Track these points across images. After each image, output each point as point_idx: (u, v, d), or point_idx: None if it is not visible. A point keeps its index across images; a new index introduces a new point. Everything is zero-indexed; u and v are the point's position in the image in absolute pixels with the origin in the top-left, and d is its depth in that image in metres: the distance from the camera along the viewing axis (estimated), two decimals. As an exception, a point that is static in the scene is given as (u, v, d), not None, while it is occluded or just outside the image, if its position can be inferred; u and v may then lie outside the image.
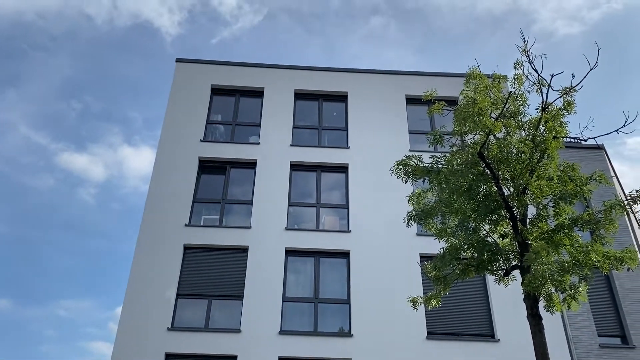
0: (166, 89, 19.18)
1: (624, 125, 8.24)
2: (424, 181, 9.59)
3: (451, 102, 12.23)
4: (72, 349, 49.33)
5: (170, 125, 17.90)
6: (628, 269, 8.27)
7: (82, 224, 54.35)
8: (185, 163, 17.12)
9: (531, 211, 9.14)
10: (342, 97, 19.28)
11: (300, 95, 19.21)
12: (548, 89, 8.65)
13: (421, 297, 9.55)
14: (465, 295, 14.99)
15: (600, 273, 8.93)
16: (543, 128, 8.83)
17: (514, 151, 8.88)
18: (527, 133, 9.09)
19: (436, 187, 9.25)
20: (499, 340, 14.40)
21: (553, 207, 8.77)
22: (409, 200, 9.71)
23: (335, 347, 14.21)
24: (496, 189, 8.73)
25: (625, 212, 8.51)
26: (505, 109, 8.99)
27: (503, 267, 9.05)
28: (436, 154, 9.61)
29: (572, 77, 8.56)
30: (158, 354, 13.72)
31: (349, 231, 16.16)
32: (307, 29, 74.44)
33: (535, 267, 8.06)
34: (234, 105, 18.97)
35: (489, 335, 14.70)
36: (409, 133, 18.24)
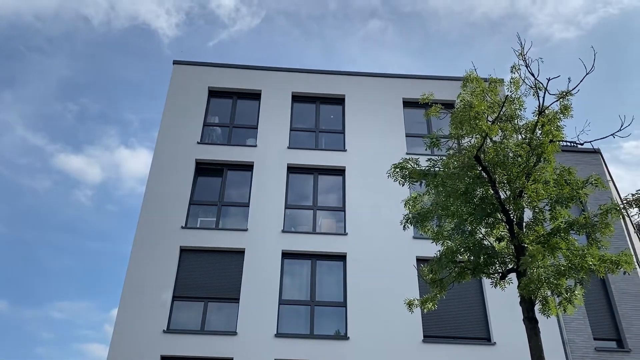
0: (163, 91, 19.20)
1: (620, 130, 8.28)
2: (420, 184, 9.60)
3: (448, 105, 12.26)
4: (67, 351, 49.13)
5: (167, 127, 17.88)
6: (624, 272, 8.30)
7: (78, 225, 54.22)
8: (182, 165, 17.10)
9: (527, 214, 9.16)
10: (339, 100, 19.29)
11: (297, 98, 19.21)
12: (544, 92, 8.67)
13: (417, 300, 9.56)
14: (461, 298, 14.99)
15: (596, 277, 8.96)
16: (539, 132, 8.85)
17: (511, 155, 8.90)
18: (524, 137, 9.12)
19: (433, 190, 9.27)
20: (495, 343, 14.41)
21: (549, 210, 8.79)
22: (405, 205, 9.71)
23: (331, 350, 14.19)
24: (493, 192, 8.75)
25: (621, 216, 8.53)
26: (501, 113, 9.02)
27: (499, 271, 9.07)
28: (433, 157, 9.62)
29: (569, 81, 8.59)
30: (154, 357, 13.67)
31: (345, 234, 16.15)
32: (305, 32, 74.53)
33: (532, 271, 8.08)
34: (231, 108, 18.96)
35: (485, 338, 14.71)
36: (406, 136, 18.26)
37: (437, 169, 9.33)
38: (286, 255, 15.74)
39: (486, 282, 13.47)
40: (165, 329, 14.16)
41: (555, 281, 7.93)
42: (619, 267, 8.19)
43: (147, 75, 64.67)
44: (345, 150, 17.90)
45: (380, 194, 16.30)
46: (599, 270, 8.23)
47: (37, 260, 48.98)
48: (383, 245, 15.73)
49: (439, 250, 9.22)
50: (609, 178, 18.18)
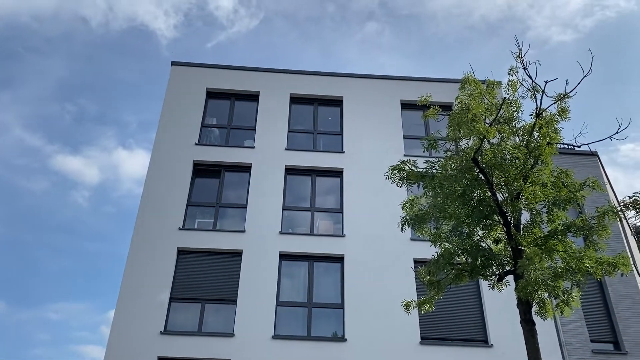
0: (161, 92, 19.18)
1: (617, 132, 8.30)
2: (418, 186, 9.61)
3: (446, 107, 12.27)
4: (64, 353, 48.99)
5: (165, 128, 17.87)
6: (622, 275, 8.31)
7: (76, 226, 54.12)
8: (179, 166, 17.08)
9: (525, 217, 9.18)
10: (337, 102, 19.30)
11: (295, 100, 19.21)
12: (542, 95, 8.69)
13: (414, 302, 9.56)
14: (459, 300, 15.00)
15: (593, 279, 8.97)
16: (537, 134, 8.87)
17: (508, 157, 8.92)
18: (521, 139, 9.14)
19: (430, 192, 9.28)
20: (492, 345, 14.41)
21: (546, 212, 8.81)
22: (402, 207, 9.71)
23: (328, 351, 14.18)
24: (490, 194, 8.76)
25: (618, 218, 8.55)
26: (499, 115, 9.04)
27: (497, 273, 9.08)
28: (430, 159, 9.65)
29: (566, 84, 8.62)
30: (150, 358, 13.63)
31: (343, 236, 16.15)
32: (303, 34, 74.60)
33: (529, 273, 8.09)
34: (229, 109, 18.95)
35: (483, 340, 14.71)
36: (404, 138, 18.27)
37: (434, 170, 9.34)
38: (284, 256, 15.73)
39: (483, 284, 13.47)
40: (163, 330, 14.13)
41: (553, 283, 7.93)
42: (616, 269, 8.20)
43: (145, 76, 64.67)
44: (343, 152, 17.90)
45: (378, 195, 16.31)
46: (596, 273, 8.24)
47: (34, 261, 48.89)
48: (381, 247, 15.73)
49: (437, 252, 9.23)
50: (606, 180, 18.22)
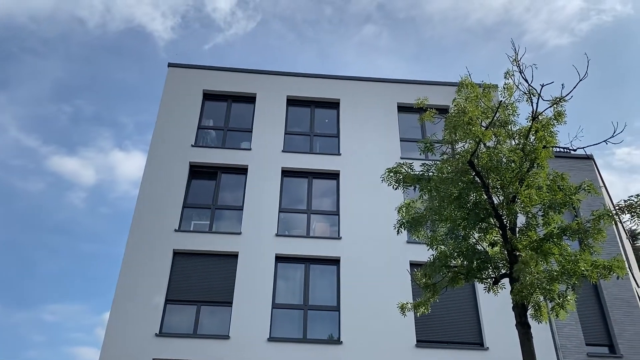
0: (158, 93, 19.09)
1: (613, 136, 8.33)
2: (414, 189, 9.62)
3: (442, 110, 12.31)
4: (58, 354, 48.77)
5: (162, 129, 17.84)
6: (617, 278, 8.32)
7: (71, 227, 53.95)
8: (175, 168, 17.05)
9: (520, 220, 9.19)
10: (334, 104, 19.31)
11: (292, 102, 19.22)
12: (538, 98, 8.71)
13: (410, 304, 9.56)
14: (454, 303, 15.01)
15: (589, 282, 8.97)
16: (533, 137, 8.89)
17: (504, 160, 8.93)
18: (517, 142, 9.15)
19: (426, 195, 9.29)
20: (487, 348, 14.42)
21: (542, 216, 8.81)
22: (398, 211, 9.72)
23: (324, 354, 14.16)
24: (486, 197, 8.77)
25: (613, 222, 8.57)
26: (495, 118, 9.05)
27: (492, 276, 9.08)
28: (427, 162, 9.66)
29: (562, 88, 8.64)
30: (145, 360, 13.58)
31: (339, 238, 16.14)
32: (300, 36, 74.66)
33: (524, 276, 8.10)
34: (226, 111, 18.94)
35: (478, 343, 14.72)
36: (400, 141, 18.29)
37: (430, 173, 9.35)
38: (280, 259, 15.71)
39: (479, 287, 13.48)
40: (158, 333, 14.09)
41: (548, 286, 7.93)
42: (612, 272, 8.21)
43: (142, 77, 64.58)
44: (339, 154, 17.91)
45: (374, 198, 16.32)
46: (592, 276, 8.26)
47: (30, 263, 48.70)
48: (377, 249, 15.73)
49: (433, 255, 9.24)
50: (601, 184, 18.27)
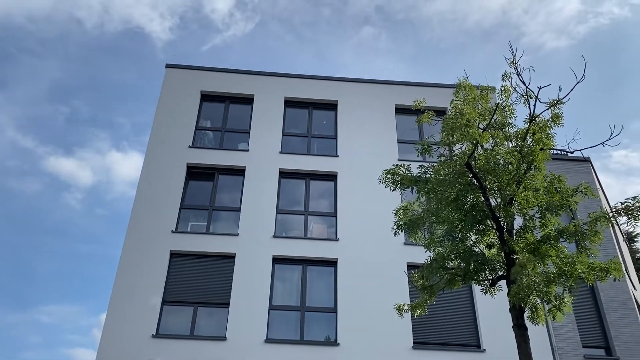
0: (156, 94, 19.12)
1: (610, 139, 8.33)
2: (412, 190, 9.62)
3: (440, 112, 12.33)
4: (55, 356, 48.63)
5: (159, 130, 17.82)
6: (614, 280, 8.34)
7: (68, 229, 53.83)
8: (173, 169, 17.03)
9: (518, 222, 9.20)
10: (332, 106, 19.32)
11: (290, 103, 19.22)
12: (535, 101, 8.71)
13: (407, 305, 9.56)
14: (451, 305, 15.01)
15: (585, 284, 8.99)
16: (530, 140, 8.89)
17: (501, 162, 8.94)
18: (515, 144, 9.16)
19: (424, 197, 9.29)
20: (484, 350, 14.43)
21: (539, 218, 8.82)
22: (395, 214, 9.71)
23: (321, 356, 14.15)
24: (483, 199, 8.77)
25: (610, 224, 8.58)
26: (492, 120, 9.06)
27: (489, 277, 9.09)
28: (424, 164, 9.65)
29: (560, 90, 8.64)
30: (142, 362, 13.55)
31: (336, 239, 16.14)
32: (298, 38, 74.74)
33: (521, 278, 8.10)
34: (224, 112, 18.93)
35: (475, 345, 14.72)
36: (398, 142, 18.31)
37: (428, 175, 9.35)
38: (277, 260, 15.70)
39: (476, 288, 13.49)
40: (154, 334, 14.06)
41: (545, 289, 7.94)
42: (608, 274, 8.23)
43: (140, 78, 64.55)
44: (337, 156, 17.91)
45: (371, 199, 16.32)
46: (588, 278, 8.27)
47: (26, 264, 48.54)
48: (374, 251, 15.73)
49: (430, 256, 9.24)
50: (598, 186, 18.32)
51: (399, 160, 16.73)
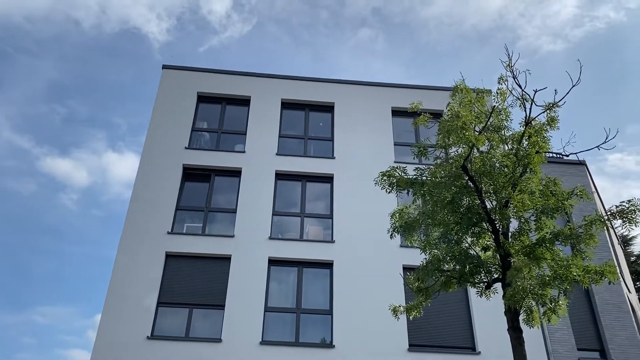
0: (152, 95, 19.09)
1: (605, 142, 8.36)
2: (407, 193, 9.63)
3: (436, 115, 12.31)
4: (49, 357, 48.42)
5: (155, 131, 17.78)
6: (609, 283, 8.36)
7: (63, 229, 53.64)
8: (169, 170, 17.00)
9: (513, 225, 9.22)
10: (328, 108, 19.33)
11: (286, 105, 19.22)
12: (531, 104, 8.74)
13: (402, 307, 9.56)
14: (447, 307, 15.02)
15: (580, 287, 9.01)
16: (526, 143, 8.92)
17: (497, 165, 8.95)
18: (511, 147, 9.18)
19: (419, 199, 9.30)
20: (480, 352, 14.44)
21: (535, 221, 8.83)
22: (391, 217, 9.72)
23: (316, 358, 14.13)
24: (479, 202, 8.79)
25: (605, 227, 8.61)
26: (488, 123, 9.08)
27: (485, 280, 9.10)
28: (420, 166, 9.70)
29: (555, 93, 8.67)
30: (137, 363, 13.50)
31: (332, 241, 16.14)
32: (296, 39, 74.77)
33: (516, 281, 8.12)
34: (220, 113, 18.91)
35: (470, 347, 14.74)
36: (394, 145, 18.33)
37: (424, 177, 9.37)
38: (273, 262, 15.68)
39: (472, 291, 13.50)
40: (149, 335, 14.01)
41: (540, 291, 7.96)
42: (603, 277, 8.24)
43: (137, 79, 64.41)
44: (333, 158, 17.92)
45: (368, 201, 16.33)
46: (583, 281, 8.28)
47: (21, 264, 48.35)
48: (370, 253, 15.73)
49: (425, 259, 9.24)
50: (593, 189, 18.38)
51: (395, 162, 16.69)
